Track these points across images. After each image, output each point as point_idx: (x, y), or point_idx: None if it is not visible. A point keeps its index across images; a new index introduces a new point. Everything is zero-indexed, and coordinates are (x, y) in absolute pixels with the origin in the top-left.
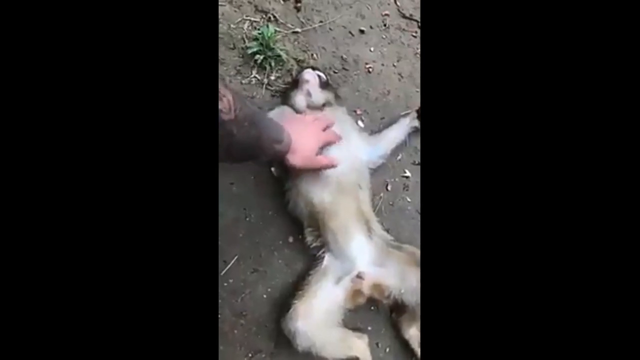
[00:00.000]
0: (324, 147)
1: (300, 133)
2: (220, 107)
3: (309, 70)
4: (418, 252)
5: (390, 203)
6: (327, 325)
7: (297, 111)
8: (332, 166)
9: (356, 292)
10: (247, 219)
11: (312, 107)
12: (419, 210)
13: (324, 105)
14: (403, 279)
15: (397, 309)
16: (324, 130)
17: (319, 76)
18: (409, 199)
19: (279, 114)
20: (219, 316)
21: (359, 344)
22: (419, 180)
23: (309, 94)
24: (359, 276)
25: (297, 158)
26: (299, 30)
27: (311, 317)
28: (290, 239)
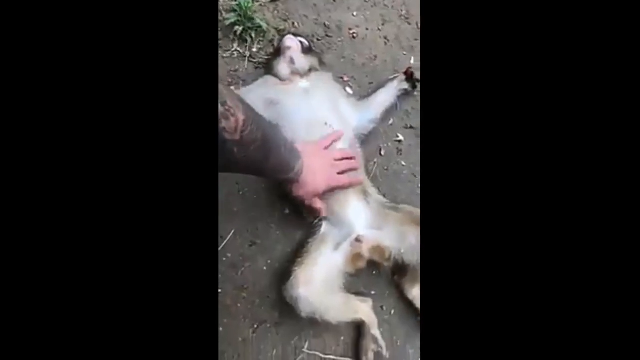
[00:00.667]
0: (333, 190)
1: (315, 168)
2: (224, 125)
3: (290, 36)
4: (415, 210)
5: (385, 168)
6: (329, 290)
7: (282, 79)
8: (322, 214)
9: (356, 256)
10: (241, 193)
11: (296, 74)
12: (415, 174)
13: (309, 70)
14: (402, 239)
15: (399, 270)
16: (342, 173)
17: (301, 42)
18: (403, 163)
19: (263, 84)
20: (220, 291)
21: (364, 307)
22: (412, 143)
23: (292, 61)
24: (358, 240)
25: (301, 191)
26: None
27: (312, 284)
28: (286, 210)
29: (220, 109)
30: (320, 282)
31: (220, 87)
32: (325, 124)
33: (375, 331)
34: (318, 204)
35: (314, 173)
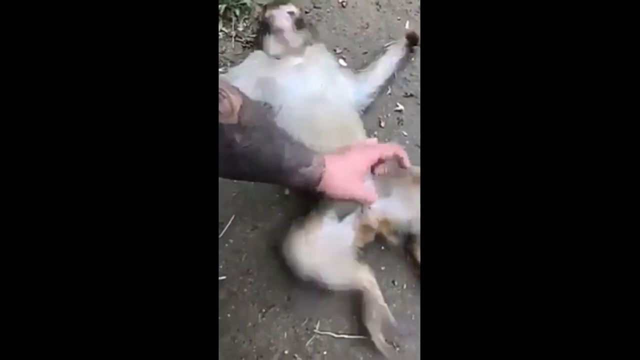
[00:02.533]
0: (372, 168)
1: (339, 160)
2: (219, 109)
3: (279, 12)
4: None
5: (387, 140)
6: (333, 258)
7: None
8: (369, 202)
9: (365, 227)
10: None
11: (290, 52)
12: (418, 144)
13: (303, 45)
14: (410, 205)
15: (409, 241)
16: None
17: (291, 13)
18: (405, 133)
19: (253, 62)
20: (225, 277)
21: (364, 274)
22: (413, 112)
23: (285, 42)
24: (363, 211)
25: (332, 188)
26: None
27: (314, 246)
28: (287, 191)
29: None
30: (322, 248)
31: None
32: (321, 84)
33: (376, 291)
34: (360, 192)
35: (341, 165)
